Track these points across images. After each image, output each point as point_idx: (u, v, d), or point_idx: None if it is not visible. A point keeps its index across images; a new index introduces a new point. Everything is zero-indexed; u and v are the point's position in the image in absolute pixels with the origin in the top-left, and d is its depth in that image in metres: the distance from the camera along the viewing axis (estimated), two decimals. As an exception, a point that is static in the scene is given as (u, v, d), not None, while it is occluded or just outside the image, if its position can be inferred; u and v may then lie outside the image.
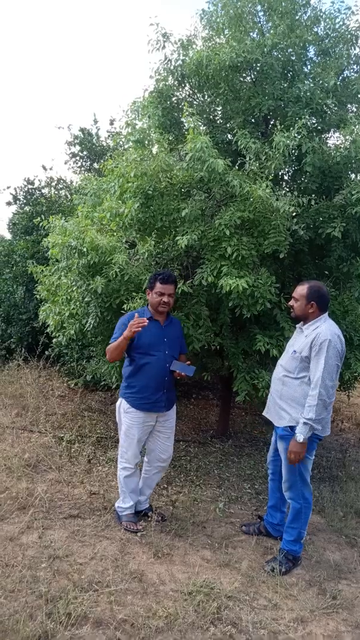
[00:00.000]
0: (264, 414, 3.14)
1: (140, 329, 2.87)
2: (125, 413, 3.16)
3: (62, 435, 4.57)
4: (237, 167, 3.48)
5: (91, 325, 3.76)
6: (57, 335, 4.26)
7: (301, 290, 2.86)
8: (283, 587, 2.75)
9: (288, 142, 3.27)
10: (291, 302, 2.93)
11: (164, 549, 2.98)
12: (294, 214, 3.52)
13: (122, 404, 3.20)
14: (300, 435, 2.72)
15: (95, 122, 9.10)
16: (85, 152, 8.82)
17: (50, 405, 5.43)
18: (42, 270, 4.53)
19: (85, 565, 2.75)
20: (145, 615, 2.40)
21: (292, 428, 2.83)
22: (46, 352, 6.35)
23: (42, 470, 3.88)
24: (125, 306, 3.37)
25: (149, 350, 3.06)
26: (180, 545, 3.06)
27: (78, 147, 8.78)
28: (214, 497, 3.77)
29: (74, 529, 3.10)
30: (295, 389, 2.83)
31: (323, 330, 2.74)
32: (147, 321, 2.89)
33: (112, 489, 3.65)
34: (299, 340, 2.87)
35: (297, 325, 3.01)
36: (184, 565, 2.87)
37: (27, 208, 7.96)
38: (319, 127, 4.00)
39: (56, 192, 8.36)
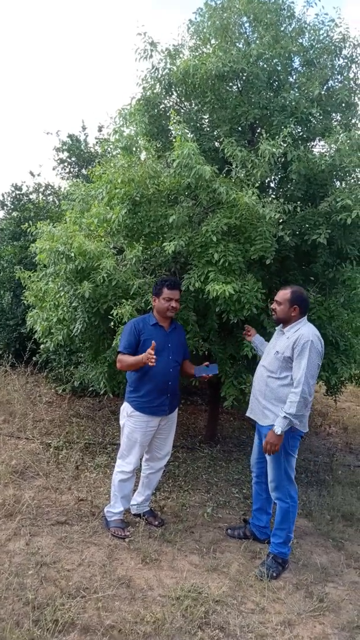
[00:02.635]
0: (247, 414, 3.20)
1: (153, 363, 2.93)
2: (128, 417, 3.21)
3: (49, 441, 4.54)
4: (223, 175, 3.52)
5: (79, 331, 3.76)
6: (44, 341, 4.24)
7: (284, 294, 2.98)
8: (270, 591, 2.76)
9: (274, 150, 3.33)
10: (273, 306, 3.05)
11: (152, 554, 2.98)
12: (280, 220, 3.58)
13: (126, 408, 3.24)
14: (279, 428, 2.81)
15: (84, 128, 9.09)
16: (73, 159, 8.82)
17: (37, 412, 5.39)
18: (30, 276, 4.52)
19: (72, 572, 2.74)
20: (133, 620, 2.40)
21: None
22: (34, 358, 6.32)
23: (29, 477, 3.85)
24: (113, 312, 3.38)
25: (155, 354, 3.09)
26: (168, 551, 3.06)
27: (66, 153, 8.78)
28: (202, 502, 3.78)
29: (61, 536, 3.08)
30: (279, 389, 2.93)
31: (305, 332, 2.87)
32: (154, 357, 2.92)
33: (100, 495, 3.64)
34: (281, 341, 2.98)
35: (278, 328, 3.12)
36: (172, 571, 2.87)
37: (14, 214, 7.93)
38: (304, 136, 4.07)
39: (44, 198, 8.35)
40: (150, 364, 2.91)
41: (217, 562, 3.00)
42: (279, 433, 2.81)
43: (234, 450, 5.00)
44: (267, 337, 3.68)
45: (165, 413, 3.21)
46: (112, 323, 3.41)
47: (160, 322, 3.19)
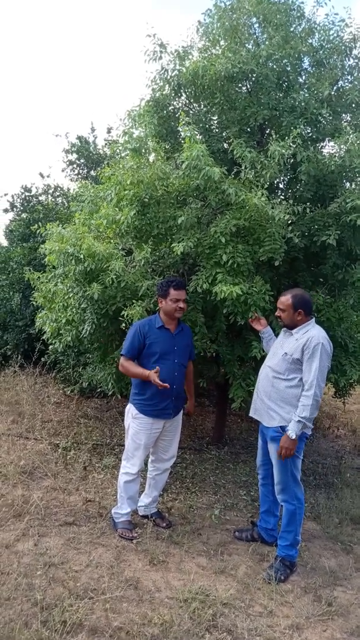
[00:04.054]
0: (251, 414, 3.19)
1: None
2: (133, 419, 3.20)
3: (58, 442, 4.56)
4: (232, 176, 3.51)
5: (87, 332, 3.77)
6: (53, 342, 4.26)
7: (285, 300, 2.97)
8: (278, 594, 2.75)
9: (283, 151, 3.31)
10: (278, 313, 3.05)
11: (160, 556, 2.98)
12: (289, 222, 3.55)
13: (131, 410, 3.24)
14: (293, 432, 2.80)
15: (93, 130, 9.15)
16: (82, 160, 8.86)
17: (46, 412, 5.42)
18: (39, 277, 4.54)
19: (80, 573, 2.74)
20: (141, 622, 2.40)
21: (283, 428, 2.89)
22: (42, 359, 6.35)
23: (37, 478, 3.87)
24: (123, 313, 3.38)
25: (159, 358, 3.10)
26: (175, 553, 3.06)
27: (75, 155, 8.83)
28: (209, 504, 3.77)
29: (69, 537, 3.09)
30: (285, 390, 2.91)
31: (315, 334, 2.86)
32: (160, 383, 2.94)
33: (108, 496, 3.65)
34: (289, 342, 2.96)
35: (284, 329, 3.11)
36: (180, 572, 2.86)
37: (24, 215, 7.99)
38: (314, 137, 4.04)
39: (53, 200, 8.39)
40: (158, 386, 2.94)
41: (225, 564, 2.99)
42: (293, 437, 2.80)
43: (241, 452, 4.98)
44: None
45: (169, 416, 3.20)
46: (123, 325, 3.42)
47: (166, 324, 3.17)
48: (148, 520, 3.34)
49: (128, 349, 3.11)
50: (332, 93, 3.96)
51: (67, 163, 8.91)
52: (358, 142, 3.42)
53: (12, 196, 8.65)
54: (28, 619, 2.32)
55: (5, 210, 8.76)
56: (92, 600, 2.52)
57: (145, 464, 3.45)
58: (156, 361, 3.09)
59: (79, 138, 8.86)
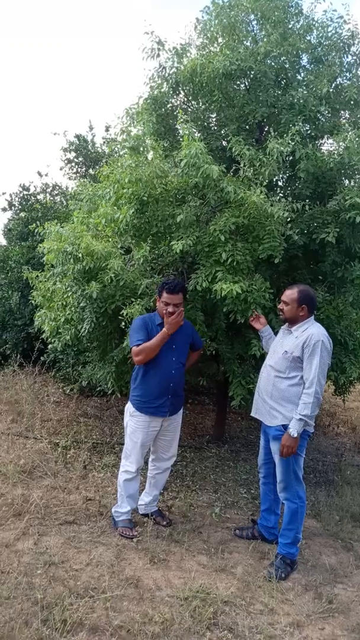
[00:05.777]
0: (253, 414, 3.18)
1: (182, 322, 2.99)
2: (131, 416, 3.20)
3: (57, 441, 4.55)
4: (231, 174, 3.50)
5: (86, 331, 3.76)
6: (52, 341, 4.25)
7: (291, 294, 2.96)
8: (279, 592, 2.75)
9: (282, 148, 3.31)
10: (281, 306, 3.03)
11: (160, 554, 2.98)
12: (288, 219, 3.56)
13: (129, 407, 3.23)
14: (294, 431, 2.80)
15: (91, 128, 9.11)
16: (80, 159, 8.85)
17: (45, 411, 5.41)
18: (38, 276, 4.53)
19: (81, 572, 2.74)
20: (142, 621, 2.39)
21: (285, 427, 2.89)
22: (41, 358, 6.34)
23: (37, 477, 3.86)
24: (123, 312, 3.37)
25: (157, 355, 3.06)
26: (176, 551, 3.06)
27: (73, 154, 8.81)
28: (210, 502, 3.77)
29: (69, 535, 3.08)
30: (287, 389, 2.91)
31: (314, 332, 2.86)
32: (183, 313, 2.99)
33: (108, 495, 3.64)
34: (289, 341, 2.96)
35: (283, 327, 3.11)
36: (180, 571, 2.86)
37: (22, 214, 7.97)
38: (313, 134, 4.03)
39: (51, 198, 8.38)
40: (174, 322, 2.95)
41: (225, 562, 2.99)
42: (295, 435, 2.80)
43: (241, 450, 4.98)
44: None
45: (165, 414, 3.17)
46: (122, 323, 3.41)
47: (165, 322, 3.16)
48: (148, 518, 3.33)
49: (141, 338, 3.02)
50: (331, 90, 3.94)
51: (66, 161, 8.90)
52: (357, 139, 3.42)
53: (11, 195, 8.63)
54: (28, 618, 2.32)
55: (4, 209, 8.75)
56: (92, 599, 2.51)
57: (146, 463, 3.45)
58: (154, 358, 3.07)
59: (77, 136, 8.84)
